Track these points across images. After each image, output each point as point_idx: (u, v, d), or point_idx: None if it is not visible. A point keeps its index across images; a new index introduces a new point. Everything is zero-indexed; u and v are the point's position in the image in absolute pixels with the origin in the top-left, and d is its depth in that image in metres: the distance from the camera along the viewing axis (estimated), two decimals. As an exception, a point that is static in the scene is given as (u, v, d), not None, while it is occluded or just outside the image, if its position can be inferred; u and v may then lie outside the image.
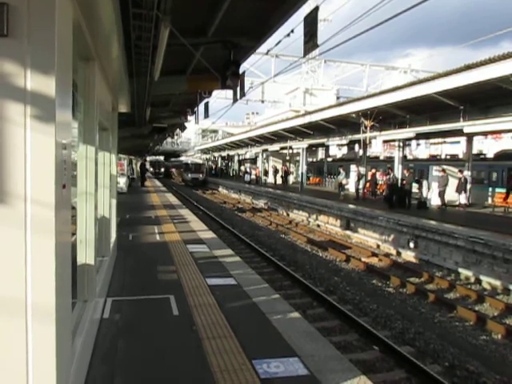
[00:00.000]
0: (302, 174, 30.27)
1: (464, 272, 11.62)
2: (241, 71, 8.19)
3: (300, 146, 30.12)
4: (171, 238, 10.51)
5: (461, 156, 27.93)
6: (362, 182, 22.97)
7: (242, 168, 50.47)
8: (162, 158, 74.30)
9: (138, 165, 43.51)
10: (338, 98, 39.00)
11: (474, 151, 25.61)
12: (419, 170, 25.07)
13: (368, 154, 25.53)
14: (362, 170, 23.57)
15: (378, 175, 25.51)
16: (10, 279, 2.13)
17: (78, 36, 3.10)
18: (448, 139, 33.08)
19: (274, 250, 14.36)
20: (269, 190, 29.50)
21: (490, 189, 20.74)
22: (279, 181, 36.41)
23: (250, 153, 45.32)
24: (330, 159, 37.61)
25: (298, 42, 6.99)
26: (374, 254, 14.02)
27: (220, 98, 28.17)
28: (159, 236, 10.93)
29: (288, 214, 24.22)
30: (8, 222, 2.11)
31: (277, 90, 41.22)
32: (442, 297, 9.85)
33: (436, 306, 9.30)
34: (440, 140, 34.59)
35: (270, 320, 5.18)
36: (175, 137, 55.00)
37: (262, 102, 36.08)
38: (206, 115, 15.38)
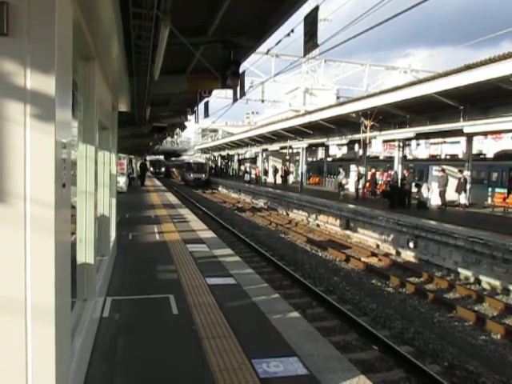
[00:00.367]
0: (301, 173, 30.28)
1: (463, 272, 11.63)
2: (241, 71, 8.19)
3: (300, 145, 30.12)
4: (171, 238, 10.51)
5: (461, 156, 27.97)
6: (361, 182, 22.98)
7: (242, 167, 50.44)
8: (161, 157, 73.70)
9: (138, 164, 43.51)
10: (338, 97, 39.01)
11: (474, 151, 25.64)
12: (419, 169, 25.10)
13: (368, 153, 25.53)
14: (362, 169, 23.58)
15: (378, 175, 25.52)
16: (9, 278, 2.13)
17: (78, 35, 3.10)
18: (448, 139, 33.07)
19: (274, 249, 14.37)
20: (268, 190, 29.50)
21: (490, 189, 20.75)
22: (279, 180, 36.43)
23: (249, 152, 45.27)
24: (329, 159, 37.62)
25: (298, 41, 6.99)
26: (374, 254, 14.02)
27: (220, 97, 28.18)
28: (159, 235, 10.93)
29: (288, 214, 24.23)
30: (7, 221, 2.11)
31: (277, 90, 41.33)
32: (441, 297, 9.86)
33: (435, 305, 9.30)
34: (440, 140, 34.61)
35: (270, 319, 5.18)
36: (175, 136, 54.96)
37: (262, 101, 36.09)
38: (206, 115, 15.39)
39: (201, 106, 15.13)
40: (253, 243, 14.76)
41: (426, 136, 24.52)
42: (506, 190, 18.86)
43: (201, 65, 7.86)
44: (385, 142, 23.15)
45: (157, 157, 71.89)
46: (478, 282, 11.12)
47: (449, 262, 12.28)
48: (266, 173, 38.71)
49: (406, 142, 22.16)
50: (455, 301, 9.65)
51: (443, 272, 12.04)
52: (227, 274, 7.24)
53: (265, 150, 38.08)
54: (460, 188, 18.09)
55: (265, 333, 4.82)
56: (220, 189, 43.34)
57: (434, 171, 19.78)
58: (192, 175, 46.00)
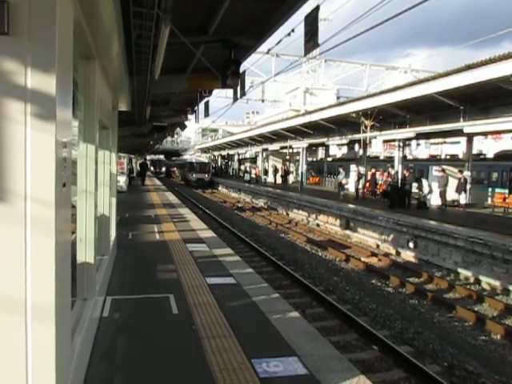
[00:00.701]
0: (301, 173, 30.28)
1: (463, 272, 11.63)
2: (241, 70, 8.19)
3: (300, 145, 30.13)
4: (171, 237, 10.51)
5: (461, 156, 27.97)
6: (361, 182, 22.98)
7: (242, 167, 50.39)
8: (162, 156, 73.30)
9: (138, 163, 43.47)
10: (338, 97, 39.00)
11: (474, 151, 25.63)
12: (419, 169, 25.09)
13: (368, 153, 25.54)
14: (362, 169, 23.59)
15: (378, 175, 25.52)
16: (9, 277, 2.13)
17: (78, 34, 3.10)
18: (448, 139, 33.10)
19: (274, 249, 14.36)
20: (268, 190, 29.50)
21: (490, 189, 20.75)
22: (279, 180, 36.44)
23: (249, 152, 45.25)
24: (329, 159, 37.63)
25: (298, 41, 6.99)
26: (374, 254, 14.02)
27: (220, 97, 28.14)
28: (159, 235, 10.93)
29: (288, 214, 24.23)
30: (8, 220, 2.11)
31: (277, 90, 41.34)
32: (441, 297, 9.86)
33: (435, 305, 9.30)
34: (440, 140, 34.62)
35: (270, 319, 5.18)
36: (175, 136, 54.92)
37: (263, 101, 36.07)
38: (206, 114, 15.40)
39: (201, 106, 15.15)
40: (253, 243, 14.75)
41: (426, 136, 24.54)
42: (505, 190, 18.87)
43: (201, 64, 7.86)
44: (385, 141, 23.14)
45: (157, 156, 71.27)
46: (477, 282, 11.12)
47: (449, 262, 12.28)
48: (266, 172, 38.72)
49: (406, 142, 22.18)
50: (455, 301, 9.65)
51: (443, 272, 12.04)
52: (227, 274, 7.24)
53: (265, 150, 38.09)
54: (460, 188, 18.10)
55: (265, 332, 4.82)
56: (220, 188, 43.34)
57: (434, 171, 19.79)
58: (194, 175, 44.38)
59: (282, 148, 34.18)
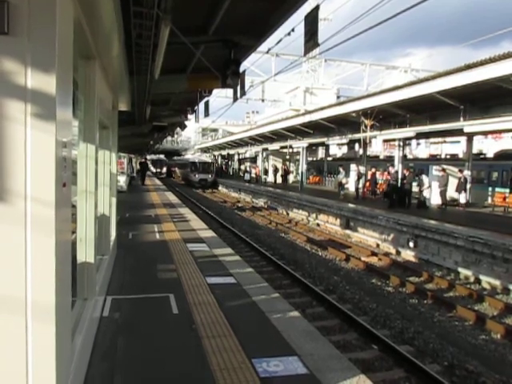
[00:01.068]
0: (301, 173, 30.28)
1: (463, 271, 11.63)
2: (241, 70, 8.19)
3: (300, 145, 30.13)
4: (171, 237, 10.51)
5: (461, 155, 27.94)
6: (361, 182, 22.98)
7: (242, 167, 50.31)
8: (162, 156, 72.75)
9: (138, 163, 43.40)
10: (338, 97, 38.99)
11: (474, 151, 25.62)
12: (419, 169, 25.08)
13: (368, 153, 25.54)
14: (362, 169, 23.59)
15: (378, 174, 25.52)
16: (9, 277, 2.13)
17: (78, 34, 3.10)
18: (448, 139, 33.09)
19: (274, 248, 14.37)
20: (269, 189, 29.50)
21: (490, 188, 20.75)
22: (279, 180, 36.45)
23: (250, 152, 45.25)
24: (330, 158, 37.62)
25: (298, 40, 6.98)
26: (374, 254, 14.02)
27: (220, 96, 28.16)
28: (159, 235, 10.93)
29: (288, 213, 24.23)
30: (8, 220, 2.11)
31: (277, 89, 41.22)
32: (441, 296, 9.86)
33: (435, 305, 9.30)
34: (440, 139, 34.60)
35: (270, 319, 5.18)
36: (175, 135, 54.78)
37: (263, 100, 36.12)
38: (206, 114, 15.40)
39: (201, 106, 15.14)
40: (253, 242, 14.76)
41: (426, 135, 24.53)
42: (506, 190, 18.87)
43: (201, 64, 7.86)
44: (385, 141, 23.13)
45: (158, 156, 70.41)
46: (478, 281, 11.12)
47: (449, 261, 12.29)
48: (266, 172, 38.73)
49: (406, 142, 22.17)
50: (455, 300, 9.65)
51: (443, 271, 12.04)
52: (227, 273, 7.24)
53: (265, 150, 38.09)
54: (460, 187, 18.09)
55: (265, 332, 4.82)
56: (220, 188, 43.30)
57: (434, 171, 19.78)
58: (197, 176, 42.53)
59: (282, 148, 34.19)
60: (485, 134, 26.06)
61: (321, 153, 41.84)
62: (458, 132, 17.46)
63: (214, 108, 22.85)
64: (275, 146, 35.06)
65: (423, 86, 14.76)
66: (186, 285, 6.48)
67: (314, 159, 42.58)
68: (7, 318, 2.14)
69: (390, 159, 28.23)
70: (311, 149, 37.57)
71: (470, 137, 19.75)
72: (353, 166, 27.36)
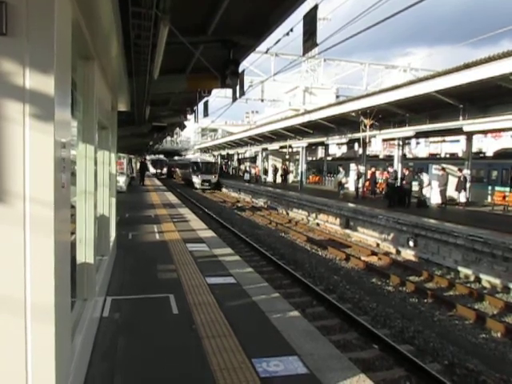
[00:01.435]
0: (301, 172, 30.29)
1: (463, 270, 11.63)
2: (240, 70, 8.19)
3: (299, 144, 30.13)
4: (171, 237, 10.51)
5: (460, 154, 27.96)
6: (361, 181, 22.99)
7: (242, 167, 50.25)
8: (162, 156, 72.30)
9: (138, 163, 43.30)
10: (337, 96, 39.01)
11: (474, 150, 25.61)
12: (419, 168, 25.10)
13: (367, 152, 25.53)
14: (362, 168, 23.58)
15: (378, 174, 25.53)
16: (9, 278, 2.13)
17: (77, 35, 3.10)
18: (447, 138, 33.08)
19: (274, 248, 14.37)
20: (268, 189, 29.50)
21: (490, 187, 20.76)
22: (279, 180, 36.46)
23: (249, 152, 45.21)
24: (329, 158, 37.62)
25: (297, 40, 6.99)
26: (374, 253, 14.02)
27: (219, 96, 28.16)
28: (159, 235, 10.93)
29: (287, 213, 24.23)
30: (7, 220, 2.11)
31: (276, 89, 41.31)
32: (441, 295, 9.86)
33: (435, 304, 9.31)
34: (439, 139, 34.59)
35: (270, 319, 5.18)
36: (175, 136, 54.71)
37: (262, 100, 36.08)
38: (206, 114, 15.40)
39: (200, 106, 15.14)
40: (253, 242, 14.76)
41: (426, 135, 24.55)
42: (506, 189, 18.87)
43: (200, 64, 7.86)
44: (384, 140, 23.15)
45: (158, 156, 69.70)
46: (478, 280, 11.12)
47: (449, 260, 12.29)
48: (265, 172, 38.73)
49: (405, 141, 22.17)
50: (455, 299, 9.65)
51: (443, 271, 12.05)
52: (227, 274, 7.24)
53: (264, 150, 38.10)
54: (460, 186, 18.10)
55: (265, 332, 4.82)
56: (220, 188, 43.29)
57: (434, 170, 19.79)
58: (200, 177, 40.45)
59: (282, 147, 34.18)
60: (484, 132, 26.06)
61: (320, 152, 41.87)
62: (458, 131, 17.48)
63: (214, 108, 22.90)
64: (275, 145, 35.07)
65: (422, 85, 14.76)
66: (185, 285, 6.48)
67: (314, 159, 42.59)
68: (7, 319, 2.14)
69: (389, 158, 28.25)
70: (311, 148, 37.61)
71: (470, 136, 19.76)
72: (352, 166, 27.36)
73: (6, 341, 2.15)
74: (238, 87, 9.33)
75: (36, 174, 2.13)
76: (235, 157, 55.39)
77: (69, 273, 2.70)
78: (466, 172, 18.79)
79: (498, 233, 11.55)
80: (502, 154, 22.85)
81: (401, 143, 20.67)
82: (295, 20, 6.67)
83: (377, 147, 29.44)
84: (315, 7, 5.94)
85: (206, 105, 15.03)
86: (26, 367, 2.17)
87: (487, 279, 10.88)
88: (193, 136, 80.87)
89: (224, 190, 41.43)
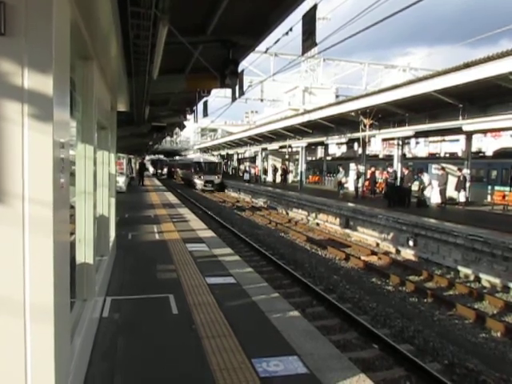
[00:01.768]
0: (301, 172, 30.29)
1: (463, 270, 11.63)
2: (239, 70, 8.18)
3: (299, 144, 30.13)
4: (170, 237, 10.51)
5: (460, 154, 27.95)
6: (361, 181, 22.99)
7: (242, 167, 50.22)
8: (162, 156, 72.05)
9: (138, 164, 43.26)
10: (337, 96, 39.03)
11: (473, 149, 25.62)
12: (418, 168, 25.09)
13: (367, 152, 25.53)
14: (362, 168, 23.58)
15: (378, 173, 25.53)
16: (8, 278, 2.13)
17: (76, 35, 3.10)
18: (447, 137, 33.08)
19: (274, 248, 14.36)
20: (268, 189, 29.51)
21: (489, 187, 20.77)
22: (278, 179, 36.47)
23: (249, 151, 45.19)
24: (329, 158, 37.64)
25: (296, 40, 6.98)
26: (374, 253, 14.02)
27: (219, 96, 28.17)
28: (158, 235, 10.93)
29: (287, 213, 24.23)
30: (6, 221, 2.11)
31: (276, 89, 41.38)
32: (441, 295, 9.86)
33: (435, 304, 9.30)
34: (439, 138, 34.60)
35: (270, 319, 5.18)
36: (174, 136, 54.65)
37: (261, 100, 36.10)
38: (205, 114, 15.39)
39: (200, 106, 15.12)
40: (252, 242, 14.75)
41: (426, 134, 24.52)
42: (505, 188, 18.88)
43: (199, 64, 7.85)
44: (384, 140, 23.17)
45: (158, 156, 69.02)
46: (477, 279, 11.12)
47: (448, 260, 12.29)
48: (265, 172, 38.72)
49: (405, 141, 22.18)
50: (455, 299, 9.65)
51: (443, 270, 12.05)
52: (227, 274, 7.24)
53: (264, 149, 38.10)
54: (459, 186, 18.10)
55: (265, 332, 4.82)
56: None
57: (434, 169, 19.79)
58: (203, 177, 38.75)
59: (282, 147, 34.21)
60: (484, 132, 26.07)
61: (320, 152, 41.87)
62: (457, 130, 17.48)
63: (213, 108, 22.89)
64: (274, 145, 35.07)
65: (422, 84, 14.76)
66: (185, 285, 6.48)
67: (314, 159, 42.60)
68: (6, 319, 2.13)
69: (389, 158, 28.25)
70: (310, 148, 37.60)
71: (469, 135, 19.76)
72: (352, 165, 27.35)
73: (5, 341, 2.15)
74: (237, 87, 9.33)
75: (35, 174, 2.13)
76: (235, 157, 55.40)
77: (68, 273, 2.70)
78: (466, 171, 18.79)
79: (497, 232, 11.56)
80: (502, 154, 22.85)
81: (400, 143, 20.68)
82: (294, 20, 6.66)
83: (376, 147, 29.53)
84: (314, 7, 5.94)
85: (205, 105, 15.03)
86: (26, 368, 2.16)
87: (487, 279, 10.87)
88: (192, 136, 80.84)
89: (224, 189, 41.41)
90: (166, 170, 64.58)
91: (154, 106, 12.72)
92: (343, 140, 24.79)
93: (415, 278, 11.24)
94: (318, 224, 20.33)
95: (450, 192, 18.58)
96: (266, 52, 12.05)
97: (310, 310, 8.48)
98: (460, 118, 15.87)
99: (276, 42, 8.75)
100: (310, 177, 37.51)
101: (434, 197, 18.58)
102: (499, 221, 14.02)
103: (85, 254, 4.28)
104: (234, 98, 11.06)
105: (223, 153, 55.99)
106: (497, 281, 10.59)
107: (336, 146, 34.59)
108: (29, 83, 2.11)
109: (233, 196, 35.94)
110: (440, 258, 12.62)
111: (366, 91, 24.78)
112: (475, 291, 10.05)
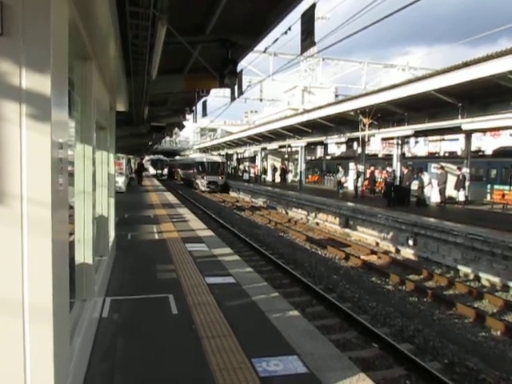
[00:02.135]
0: (300, 172, 30.29)
1: (463, 269, 11.63)
2: (238, 69, 8.17)
3: (299, 144, 30.11)
4: (170, 237, 10.51)
5: (459, 153, 27.94)
6: (360, 180, 22.99)
7: (241, 167, 50.19)
8: (162, 156, 71.51)
9: (136, 164, 43.20)
10: (336, 96, 39.02)
11: (473, 148, 25.61)
12: (418, 167, 25.09)
13: (367, 151, 25.52)
14: (361, 167, 23.58)
15: (377, 173, 25.52)
16: (6, 279, 2.13)
17: (74, 35, 3.09)
18: (446, 136, 33.09)
19: (273, 248, 14.36)
20: (268, 189, 29.51)
21: (489, 186, 20.77)
22: (278, 179, 36.47)
23: (248, 151, 45.13)
24: (328, 157, 37.63)
25: (295, 39, 6.96)
26: (373, 252, 14.03)
27: (218, 96, 28.09)
28: (158, 235, 10.93)
29: (287, 213, 24.23)
30: (4, 221, 2.10)
31: (275, 89, 41.34)
32: (441, 294, 9.86)
33: (435, 303, 9.31)
34: (438, 137, 34.61)
35: (269, 318, 5.17)
36: (174, 136, 54.60)
37: (261, 100, 36.03)
38: (204, 114, 15.37)
39: (199, 105, 15.10)
40: (252, 242, 14.75)
41: (425, 133, 24.48)
42: (504, 187, 18.88)
43: (198, 64, 7.85)
44: (383, 139, 23.14)
45: (158, 156, 68.32)
46: (477, 278, 11.12)
47: (448, 259, 12.29)
48: (265, 172, 38.70)
49: (404, 140, 22.17)
50: (455, 298, 9.66)
51: (443, 269, 12.05)
52: (226, 273, 7.23)
53: (264, 149, 38.07)
54: (459, 185, 18.11)
55: (264, 332, 4.82)
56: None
57: (433, 168, 19.79)
58: (206, 178, 37.11)
59: (281, 147, 34.18)
60: (483, 131, 26.06)
61: (319, 152, 41.87)
62: (457, 130, 17.48)
63: (212, 108, 22.87)
64: (274, 145, 35.04)
65: (421, 84, 14.75)
66: (185, 285, 6.47)
67: (313, 158, 42.59)
68: (5, 320, 2.13)
69: (388, 157, 28.24)
70: (310, 148, 37.61)
71: (469, 134, 19.75)
72: (352, 165, 27.33)
73: (4, 342, 2.14)
74: (236, 87, 9.32)
75: (33, 174, 2.12)
76: (234, 156, 55.36)
77: (67, 273, 2.70)
78: (465, 171, 18.78)
79: (497, 231, 11.56)
80: (501, 153, 22.85)
81: (400, 142, 20.67)
82: (293, 19, 6.66)
83: (376, 146, 29.38)
84: (313, 6, 5.93)
85: (204, 104, 14.99)
86: (25, 368, 2.16)
87: (486, 277, 10.88)
88: (192, 136, 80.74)
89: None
90: (166, 171, 64.02)
91: (153, 106, 12.71)
92: (343, 139, 24.77)
93: (415, 277, 11.25)
94: (317, 223, 20.33)
95: (450, 191, 18.59)
96: (264, 51, 12.03)
97: (310, 309, 8.48)
98: (459, 117, 15.85)
99: (275, 42, 8.73)
100: (310, 176, 37.49)
101: (433, 196, 18.58)
102: (499, 220, 14.03)
103: (84, 255, 4.28)
104: (233, 98, 11.04)
105: (223, 153, 55.94)
106: (496, 280, 10.60)
107: (335, 145, 34.64)
108: (27, 83, 2.10)
109: (232, 196, 35.93)
110: (440, 257, 12.62)
111: (365, 90, 24.78)
112: (475, 290, 10.05)
